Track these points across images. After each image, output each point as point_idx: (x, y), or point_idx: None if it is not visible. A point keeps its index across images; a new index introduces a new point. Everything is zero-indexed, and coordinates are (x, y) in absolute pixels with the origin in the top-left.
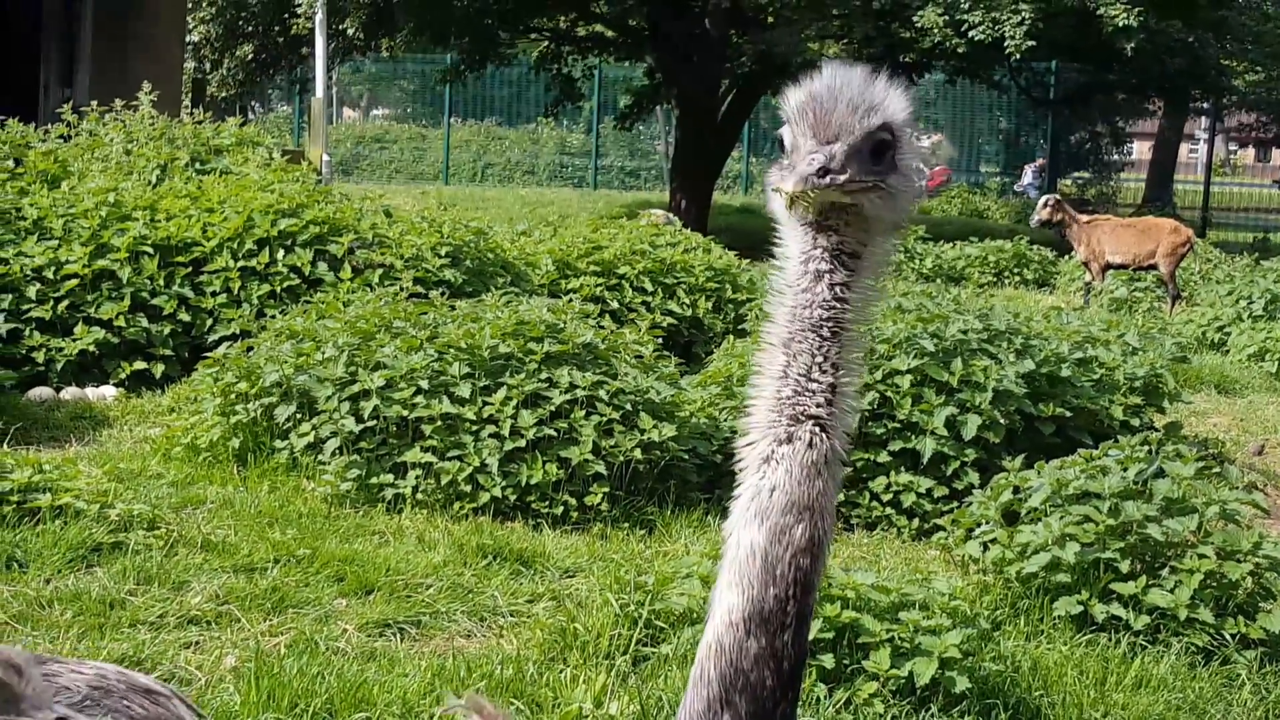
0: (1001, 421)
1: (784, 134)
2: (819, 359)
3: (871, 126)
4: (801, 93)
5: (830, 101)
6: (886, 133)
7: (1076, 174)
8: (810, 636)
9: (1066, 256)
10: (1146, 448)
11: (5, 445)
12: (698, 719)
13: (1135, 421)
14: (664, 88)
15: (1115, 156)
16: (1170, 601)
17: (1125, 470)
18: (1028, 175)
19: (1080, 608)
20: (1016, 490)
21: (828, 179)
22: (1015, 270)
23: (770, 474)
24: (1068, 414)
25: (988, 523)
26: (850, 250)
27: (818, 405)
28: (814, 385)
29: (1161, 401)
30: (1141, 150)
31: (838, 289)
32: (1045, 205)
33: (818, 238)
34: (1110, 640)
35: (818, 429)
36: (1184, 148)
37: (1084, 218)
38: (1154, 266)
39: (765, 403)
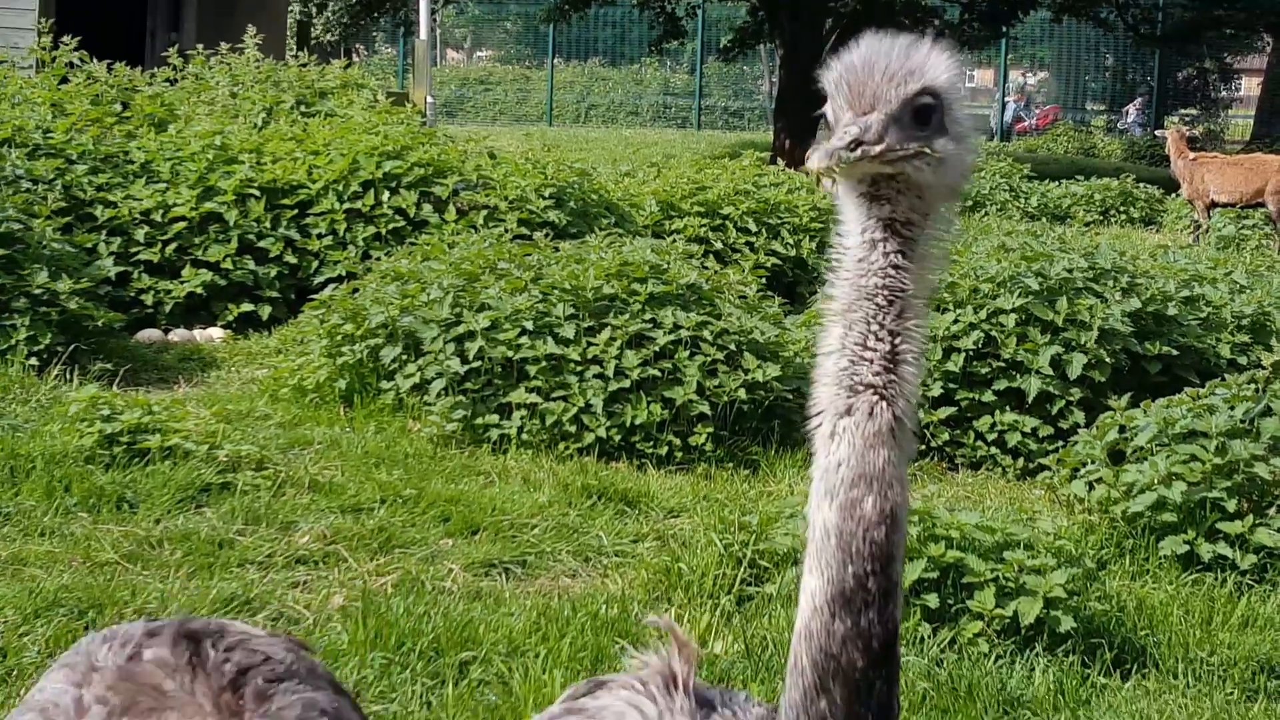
0: (1107, 360)
1: (826, 110)
2: (874, 327)
3: (910, 93)
4: (838, 65)
5: (866, 71)
6: (929, 96)
7: (1184, 111)
8: (915, 577)
9: (1174, 195)
10: (1254, 386)
11: (115, 386)
12: (796, 708)
13: (1242, 360)
14: (768, 27)
15: (1223, 93)
16: (1277, 541)
17: (1232, 409)
18: (1131, 113)
19: (1186, 547)
20: (1122, 429)
21: (859, 151)
22: (1121, 208)
23: (834, 450)
24: (1174, 353)
25: (1093, 462)
26: (904, 219)
27: (875, 374)
28: (869, 354)
29: (1269, 340)
30: (1250, 86)
31: (893, 256)
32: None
33: (871, 207)
34: (1216, 580)
35: (876, 398)
36: None
37: (1191, 154)
38: (1262, 204)
39: (826, 378)
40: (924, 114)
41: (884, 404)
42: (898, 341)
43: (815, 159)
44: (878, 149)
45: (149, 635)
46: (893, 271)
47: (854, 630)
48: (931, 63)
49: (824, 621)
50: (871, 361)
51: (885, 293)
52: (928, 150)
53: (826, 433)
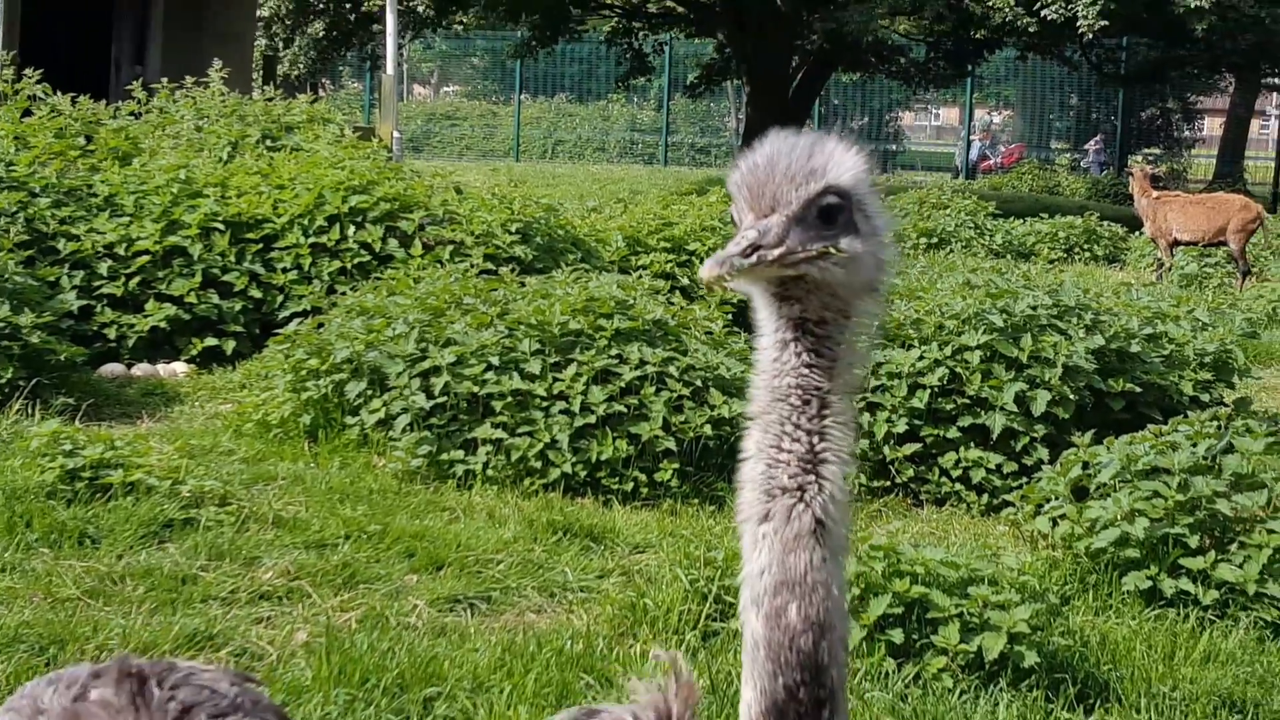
0: (1071, 397)
1: (731, 211)
2: (788, 428)
3: (812, 193)
4: (741, 166)
5: (767, 172)
6: (833, 196)
7: (1147, 150)
8: (880, 612)
9: (1137, 233)
10: (1216, 423)
11: (77, 421)
12: None
13: (1205, 397)
14: (734, 63)
15: (1186, 133)
16: (1239, 576)
17: (1195, 446)
18: (1090, 152)
19: (1149, 583)
20: (1086, 466)
21: (754, 256)
22: (1085, 246)
23: (756, 558)
24: (1137, 390)
25: (1057, 498)
26: (816, 318)
27: (790, 476)
28: (785, 456)
29: (1231, 377)
30: (1212, 126)
31: (806, 355)
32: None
33: (780, 307)
34: (1179, 615)
35: (794, 500)
36: (1255, 124)
37: (1154, 193)
38: (1224, 243)
39: (747, 483)
40: (829, 213)
41: (801, 506)
42: (816, 441)
43: (706, 268)
44: (776, 253)
45: (94, 676)
46: (806, 371)
47: None
48: (835, 161)
49: None
50: (788, 464)
51: (799, 393)
52: (833, 250)
53: (749, 540)
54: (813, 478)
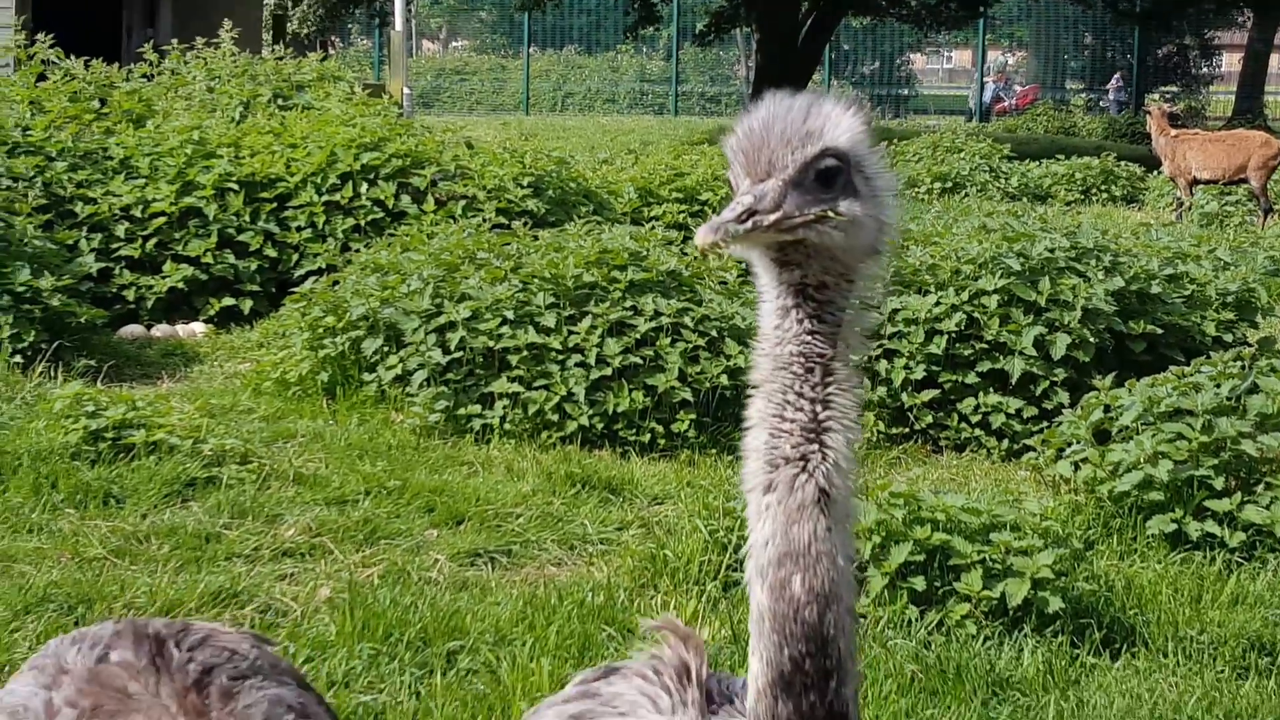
0: (1091, 340)
1: (729, 176)
2: (790, 397)
3: (809, 156)
4: (737, 130)
5: (762, 136)
6: (831, 158)
7: (1164, 88)
8: (901, 560)
9: (1155, 172)
10: (1240, 363)
11: (99, 383)
12: None
13: (1228, 337)
14: (743, 10)
15: (1204, 69)
16: (1266, 518)
17: (1218, 386)
18: (1111, 90)
19: (1174, 526)
20: (1107, 409)
21: (749, 222)
22: (1103, 187)
23: (760, 528)
24: (1159, 331)
25: (1079, 442)
26: (817, 283)
27: (793, 446)
28: (788, 425)
29: (1254, 316)
30: (1231, 62)
31: (808, 323)
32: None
33: (781, 273)
34: (1205, 558)
35: (797, 470)
36: (1274, 59)
37: (1172, 131)
38: (1245, 180)
39: (751, 453)
40: (827, 177)
41: (805, 476)
42: (819, 410)
43: (701, 234)
44: (772, 218)
45: (116, 636)
46: (808, 338)
47: (797, 714)
48: (833, 122)
49: (768, 705)
50: (791, 433)
51: (801, 360)
52: (831, 214)
53: (753, 510)
54: (816, 447)
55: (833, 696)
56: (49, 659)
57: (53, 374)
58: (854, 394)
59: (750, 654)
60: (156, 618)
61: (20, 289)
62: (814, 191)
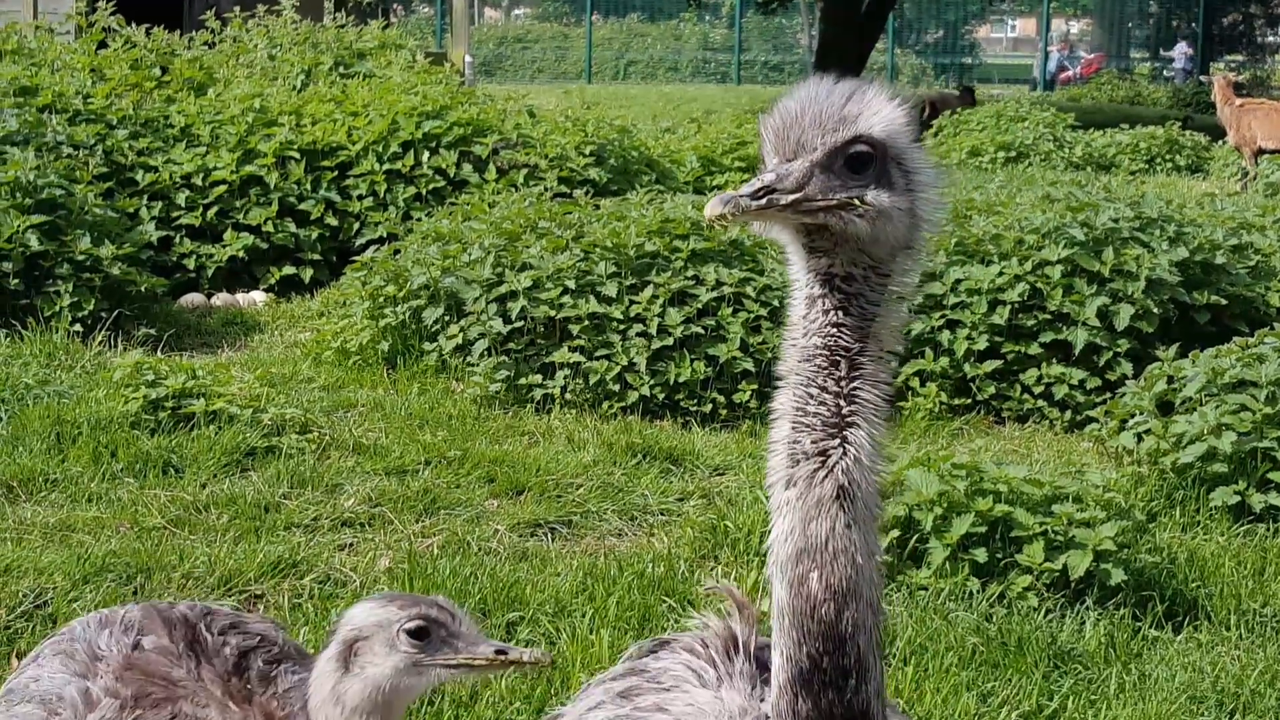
0: (1155, 311)
1: (761, 152)
2: (813, 390)
3: (839, 140)
4: (773, 110)
5: (796, 117)
6: (863, 145)
7: (1229, 57)
8: (963, 531)
9: (1220, 142)
10: None
11: (159, 352)
12: None
13: None
14: None
15: (1270, 38)
16: None
17: None
18: (1178, 58)
19: (1237, 498)
20: (1171, 380)
21: (765, 199)
22: (1167, 156)
23: (779, 523)
24: (1223, 302)
25: (1142, 413)
26: (844, 274)
27: (813, 441)
28: (810, 419)
29: None
30: None
31: (833, 314)
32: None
33: (810, 260)
34: (1269, 530)
35: (817, 466)
36: None
37: (1237, 100)
38: None
39: (774, 446)
40: (857, 163)
41: (824, 472)
42: (843, 405)
43: (710, 205)
44: (790, 198)
45: (146, 620)
46: (833, 330)
47: (816, 711)
48: (871, 110)
49: (788, 701)
50: (812, 428)
51: (825, 353)
52: (857, 202)
53: (774, 505)
54: (837, 442)
55: (852, 695)
56: (76, 644)
57: (113, 343)
58: (882, 389)
59: (772, 649)
60: (180, 600)
61: (81, 257)
62: (842, 177)
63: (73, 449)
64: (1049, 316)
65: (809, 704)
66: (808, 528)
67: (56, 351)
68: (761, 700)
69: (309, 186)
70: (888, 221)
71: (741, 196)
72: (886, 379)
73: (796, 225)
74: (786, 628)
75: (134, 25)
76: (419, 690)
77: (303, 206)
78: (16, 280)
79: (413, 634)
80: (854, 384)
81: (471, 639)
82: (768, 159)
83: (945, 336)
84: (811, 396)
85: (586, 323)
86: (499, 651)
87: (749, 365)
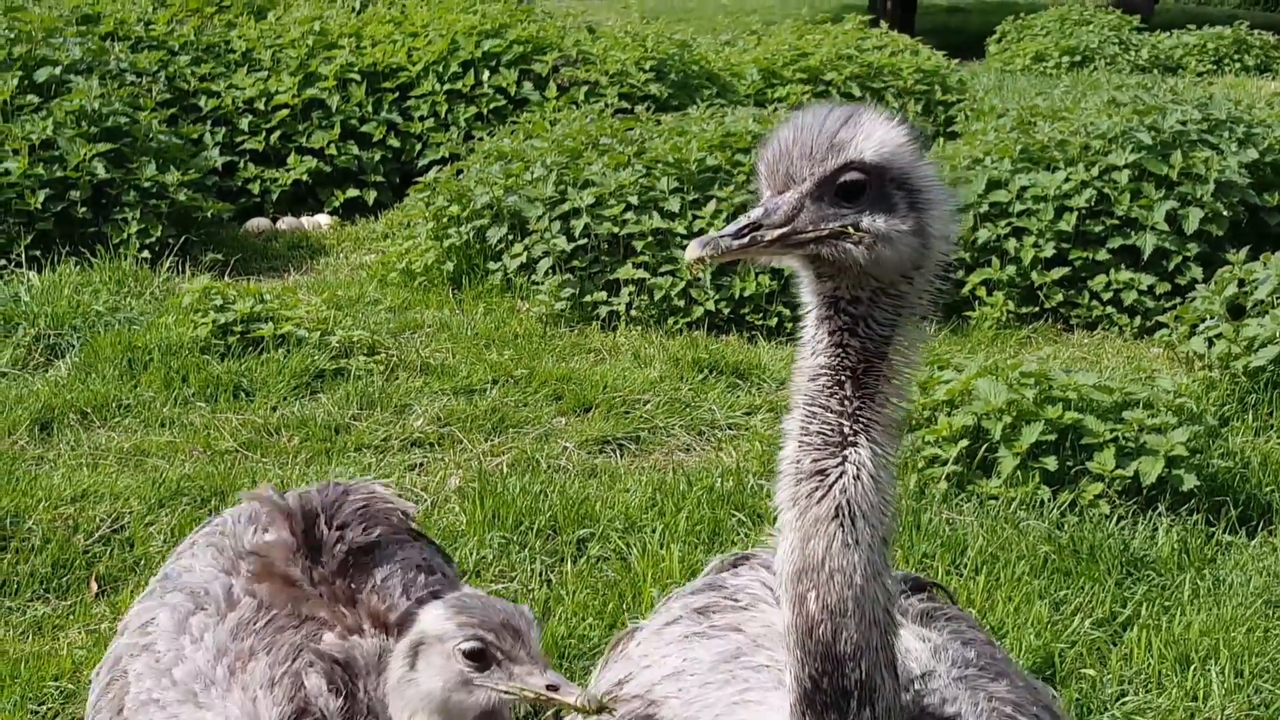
0: (1224, 213)
1: (757, 188)
2: (815, 409)
3: (829, 169)
4: (766, 141)
5: (786, 148)
6: (855, 171)
7: None
8: (1033, 440)
9: None
10: None
11: (226, 276)
12: None
13: None
14: None
15: None
16: None
17: None
18: None
19: None
20: (1242, 283)
21: (749, 237)
22: (1235, 57)
23: (783, 542)
24: None
25: (1212, 317)
26: (850, 296)
27: (813, 460)
28: (813, 439)
29: None
30: None
31: (838, 335)
32: None
33: (816, 284)
34: None
35: (815, 486)
36: None
37: None
38: None
39: (782, 465)
40: (850, 191)
41: (820, 491)
42: (845, 425)
43: (690, 249)
44: (775, 234)
45: (277, 511)
46: (838, 351)
47: None
48: (864, 134)
49: None
50: (814, 448)
51: (829, 373)
52: (851, 229)
53: (780, 524)
54: (837, 461)
55: (854, 717)
56: (227, 538)
57: (180, 269)
58: (891, 409)
59: (785, 668)
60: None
61: (147, 184)
62: (835, 206)
63: (144, 375)
64: (1116, 222)
65: None
66: (806, 547)
67: (125, 279)
68: None
69: (370, 108)
70: (888, 245)
71: (723, 237)
72: (899, 398)
73: (774, 257)
74: (791, 646)
75: None
76: (472, 705)
77: (365, 129)
78: (84, 209)
79: (468, 654)
80: (858, 403)
81: (529, 666)
82: (761, 192)
83: (1011, 244)
84: (814, 415)
85: (650, 239)
86: (550, 687)
87: None
